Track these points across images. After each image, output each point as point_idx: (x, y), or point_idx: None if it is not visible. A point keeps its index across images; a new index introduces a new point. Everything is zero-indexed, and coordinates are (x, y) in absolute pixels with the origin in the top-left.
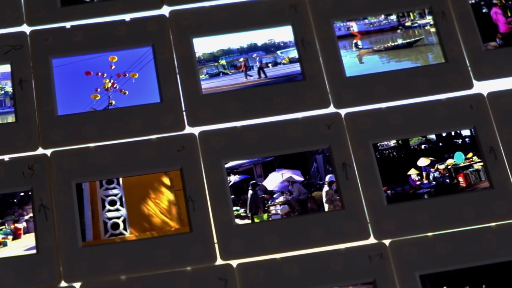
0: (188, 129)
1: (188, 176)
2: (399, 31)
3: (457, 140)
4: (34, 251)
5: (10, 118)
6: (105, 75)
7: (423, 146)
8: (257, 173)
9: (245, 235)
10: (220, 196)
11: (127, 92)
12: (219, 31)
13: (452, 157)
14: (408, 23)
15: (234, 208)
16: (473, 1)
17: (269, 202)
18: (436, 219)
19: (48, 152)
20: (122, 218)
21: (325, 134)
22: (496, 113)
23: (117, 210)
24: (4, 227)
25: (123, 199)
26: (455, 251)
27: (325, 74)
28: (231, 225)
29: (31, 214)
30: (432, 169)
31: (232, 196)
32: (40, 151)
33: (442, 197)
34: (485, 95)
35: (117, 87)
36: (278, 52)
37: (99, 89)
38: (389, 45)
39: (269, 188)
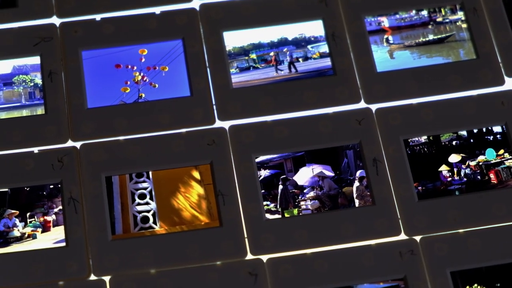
0: (218, 123)
1: (218, 170)
2: (430, 26)
3: (489, 137)
4: (63, 244)
5: (40, 110)
6: (135, 68)
7: (454, 142)
8: (287, 168)
9: (275, 230)
10: (250, 191)
11: (157, 85)
12: (249, 25)
13: (483, 154)
14: (440, 19)
15: (264, 202)
16: None
17: (300, 197)
18: (467, 216)
19: (78, 144)
20: (151, 212)
21: (356, 129)
22: None
23: (147, 203)
24: (33, 219)
25: (153, 193)
26: (486, 248)
27: (356, 69)
28: (261, 219)
29: (60, 207)
30: (463, 166)
31: (263, 191)
32: (69, 143)
33: (473, 193)
34: None
35: (147, 80)
36: (309, 46)
37: (129, 82)
38: (420, 40)
39: (300, 183)
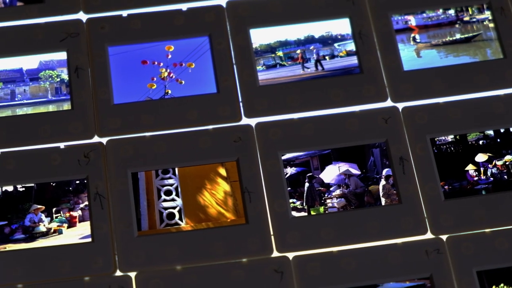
0: (244, 120)
1: (244, 167)
2: (457, 25)
3: None
4: (89, 240)
5: (66, 106)
6: (162, 64)
7: (481, 142)
8: (313, 166)
9: (302, 228)
10: (276, 188)
11: (183, 81)
12: (276, 22)
13: (510, 153)
14: (467, 18)
15: (291, 200)
16: None
17: (326, 195)
18: (493, 215)
19: (104, 140)
20: (177, 208)
21: (382, 128)
22: None
23: (173, 200)
24: (59, 215)
25: (179, 189)
26: None
27: (382, 67)
28: (287, 217)
29: (86, 203)
30: (490, 165)
31: (289, 189)
32: (96, 139)
33: (500, 193)
34: None
35: (174, 76)
36: (336, 44)
37: (155, 78)
38: (447, 39)
39: (326, 181)
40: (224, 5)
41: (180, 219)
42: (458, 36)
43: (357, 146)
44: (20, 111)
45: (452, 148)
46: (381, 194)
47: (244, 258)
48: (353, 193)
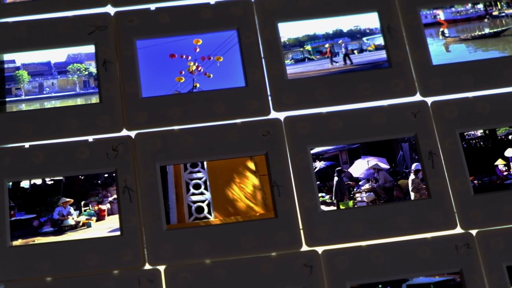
0: (273, 114)
1: (273, 161)
2: (486, 20)
3: None
4: (118, 233)
5: (94, 99)
6: (190, 58)
7: (510, 137)
8: (342, 160)
9: (331, 222)
10: (305, 182)
11: (211, 75)
12: (304, 16)
13: None
14: (495, 13)
15: (320, 194)
16: None
17: (355, 189)
18: None
19: (133, 134)
20: (206, 202)
21: (411, 122)
22: None
23: (202, 193)
24: (88, 208)
25: (208, 183)
26: None
27: (411, 62)
28: (316, 211)
29: (115, 196)
30: None
31: (318, 183)
32: (124, 132)
33: None
34: None
35: (202, 70)
36: (364, 38)
37: (183, 72)
38: (476, 34)
39: (355, 175)
40: None
41: (209, 212)
42: (487, 30)
43: (386, 140)
44: (48, 104)
45: (482, 143)
46: (410, 188)
47: (273, 252)
48: (382, 187)
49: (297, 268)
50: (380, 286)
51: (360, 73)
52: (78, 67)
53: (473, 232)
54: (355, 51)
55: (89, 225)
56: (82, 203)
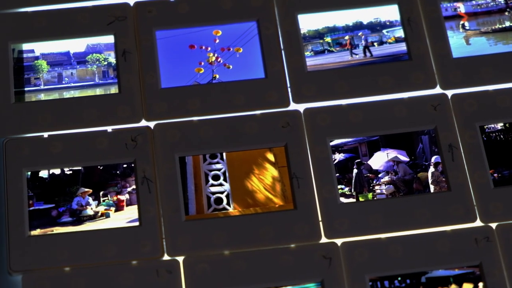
0: (292, 106)
1: (292, 153)
2: (506, 13)
3: None
4: (137, 224)
5: (113, 89)
6: (209, 49)
7: None
8: (362, 152)
9: (350, 214)
10: (325, 174)
11: (231, 66)
12: (324, 8)
13: None
14: None
15: (339, 186)
16: None
17: (374, 182)
18: None
19: (152, 124)
20: (225, 193)
21: (431, 115)
22: None
23: (221, 185)
24: (107, 198)
25: (227, 174)
26: None
27: (431, 54)
28: (336, 203)
29: (134, 186)
30: None
31: (337, 175)
32: (143, 123)
33: None
34: None
35: (221, 61)
36: (384, 31)
37: (203, 63)
38: (496, 27)
39: (374, 167)
40: None
41: (228, 204)
42: (507, 23)
43: (406, 133)
44: (67, 94)
45: (502, 136)
46: (430, 181)
47: (292, 244)
48: (401, 180)
49: (316, 260)
50: (399, 278)
51: (380, 66)
52: (97, 57)
53: (493, 225)
54: (375, 43)
55: (107, 216)
56: (101, 193)
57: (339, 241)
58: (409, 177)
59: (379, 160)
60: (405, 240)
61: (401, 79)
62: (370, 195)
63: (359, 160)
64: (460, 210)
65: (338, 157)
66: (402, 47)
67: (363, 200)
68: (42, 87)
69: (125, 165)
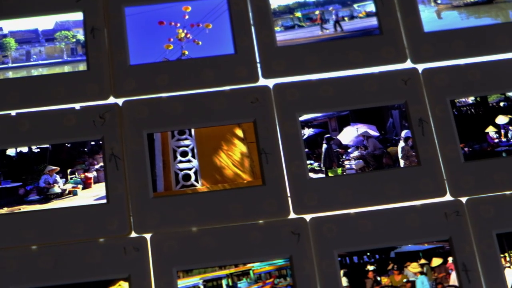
0: (262, 81)
1: (261, 129)
2: None
3: None
4: (104, 201)
5: (82, 67)
6: (179, 25)
7: (502, 104)
8: (331, 127)
9: (319, 189)
10: (294, 149)
11: (200, 42)
12: None
13: None
14: None
15: (308, 162)
16: None
17: (344, 157)
18: None
19: (120, 101)
20: (193, 170)
21: (402, 89)
22: None
23: (189, 161)
24: (74, 176)
25: (195, 151)
26: None
27: (402, 29)
28: (305, 179)
29: (101, 164)
30: (510, 127)
31: (306, 150)
32: (111, 100)
33: None
34: None
35: (191, 37)
36: (355, 5)
37: (172, 39)
38: (468, 1)
39: (344, 142)
40: None
41: (196, 180)
42: None
43: (376, 107)
44: (35, 72)
45: (473, 110)
46: (400, 156)
47: (261, 220)
48: (371, 155)
49: (284, 236)
50: (368, 254)
51: (351, 40)
52: (66, 35)
53: (463, 199)
54: (346, 18)
55: (75, 193)
56: (69, 171)
57: (308, 217)
58: (379, 152)
59: (349, 135)
60: (375, 215)
61: (372, 54)
62: (339, 170)
63: (328, 135)
64: (430, 184)
65: (308, 132)
66: (373, 21)
67: (332, 175)
68: (10, 65)
69: (93, 143)
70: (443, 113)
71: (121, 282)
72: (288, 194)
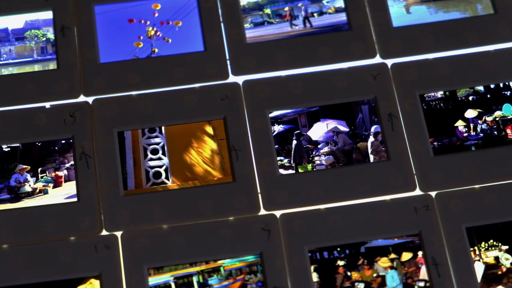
0: (232, 78)
1: (231, 126)
2: None
3: (506, 92)
4: (75, 199)
5: (52, 65)
6: (148, 22)
7: (470, 98)
8: (301, 123)
9: (289, 186)
10: (264, 146)
11: (170, 40)
12: None
13: (500, 109)
14: None
15: (278, 158)
16: None
17: (314, 152)
18: (483, 171)
19: (90, 99)
20: (164, 167)
21: (371, 84)
22: None
23: (159, 159)
24: (45, 174)
25: (165, 148)
26: (502, 203)
27: (371, 24)
28: (275, 175)
29: (72, 162)
30: (479, 121)
31: (276, 146)
32: (81, 98)
33: (490, 149)
34: None
35: (160, 35)
36: (324, 1)
37: (142, 37)
38: None
39: (314, 138)
40: None
41: (167, 178)
42: None
43: (346, 103)
44: (5, 71)
45: (442, 104)
46: (369, 151)
47: (231, 217)
48: (341, 150)
49: (255, 232)
50: (338, 249)
51: (320, 36)
52: (36, 34)
53: (432, 194)
54: (315, 14)
55: (46, 192)
56: (39, 169)
57: (278, 213)
58: (349, 147)
59: (318, 130)
60: (344, 211)
61: (341, 49)
62: (309, 166)
63: (298, 131)
64: (399, 179)
65: (278, 128)
66: (342, 17)
67: (302, 171)
68: None
69: (63, 141)
70: (413, 108)
71: (92, 280)
72: (259, 191)
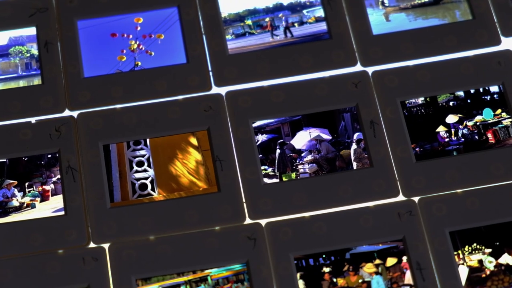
0: (214, 89)
1: (215, 136)
2: None
3: (486, 97)
4: (62, 213)
5: (37, 81)
6: (131, 36)
7: (451, 103)
8: (284, 132)
9: (274, 194)
10: (248, 156)
11: (153, 53)
12: None
13: (481, 114)
14: None
15: (262, 167)
16: None
17: (297, 161)
18: (465, 176)
19: (75, 114)
20: (150, 179)
21: (353, 92)
22: None
23: (145, 170)
24: (32, 189)
25: (151, 160)
26: (484, 207)
27: (351, 32)
28: (259, 184)
29: (58, 176)
30: (460, 126)
31: (260, 156)
32: (66, 113)
33: (471, 153)
34: None
35: (143, 48)
36: (304, 11)
37: (125, 51)
38: (415, 2)
39: (297, 147)
40: None
41: (153, 189)
42: None
43: (328, 111)
44: None
45: (423, 110)
46: (352, 158)
47: (217, 226)
48: (324, 158)
49: (241, 241)
50: (324, 256)
51: (301, 46)
52: (20, 50)
53: (416, 199)
54: (296, 24)
55: (33, 206)
56: (26, 184)
57: (263, 222)
58: (332, 155)
59: (302, 139)
60: (329, 218)
61: (322, 58)
62: (293, 175)
63: (281, 140)
64: (382, 185)
65: (261, 138)
66: (323, 26)
67: (286, 180)
68: None
69: (49, 155)
70: (394, 115)
71: None
72: (243, 200)
